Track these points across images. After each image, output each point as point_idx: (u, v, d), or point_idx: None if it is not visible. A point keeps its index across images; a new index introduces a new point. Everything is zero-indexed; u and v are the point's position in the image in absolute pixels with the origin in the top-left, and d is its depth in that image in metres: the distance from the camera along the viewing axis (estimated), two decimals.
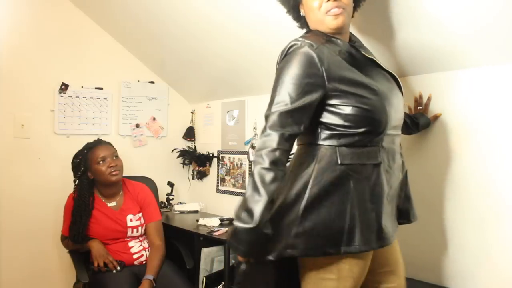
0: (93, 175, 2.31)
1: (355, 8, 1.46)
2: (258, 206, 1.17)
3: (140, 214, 2.39)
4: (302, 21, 1.48)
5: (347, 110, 1.23)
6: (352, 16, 1.46)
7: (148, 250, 2.36)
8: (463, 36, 1.58)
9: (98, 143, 2.37)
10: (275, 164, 1.18)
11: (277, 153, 1.19)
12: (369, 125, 1.24)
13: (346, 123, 1.24)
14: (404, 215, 1.46)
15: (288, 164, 1.30)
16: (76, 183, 2.34)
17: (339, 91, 1.23)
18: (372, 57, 1.38)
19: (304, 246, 1.22)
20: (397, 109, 1.35)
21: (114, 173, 2.29)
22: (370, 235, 1.22)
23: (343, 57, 1.28)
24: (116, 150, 2.39)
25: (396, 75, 1.41)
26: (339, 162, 1.23)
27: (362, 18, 1.68)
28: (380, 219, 1.24)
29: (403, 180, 1.44)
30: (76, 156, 2.35)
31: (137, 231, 2.36)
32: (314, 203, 1.22)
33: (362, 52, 1.36)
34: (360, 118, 1.23)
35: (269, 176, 1.18)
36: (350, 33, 1.46)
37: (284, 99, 1.21)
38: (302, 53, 1.23)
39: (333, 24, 1.32)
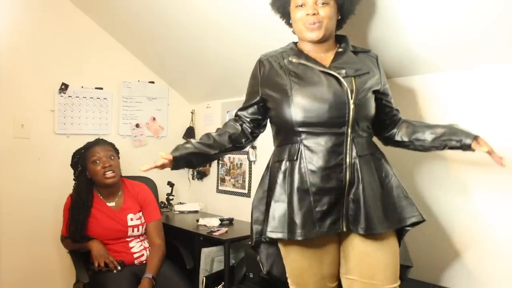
0: (89, 174, 2.31)
1: (343, 20, 1.54)
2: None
3: (140, 213, 2.39)
4: (293, 28, 1.56)
5: (271, 112, 1.52)
6: (341, 27, 1.55)
7: (149, 250, 2.36)
8: (461, 39, 1.59)
9: (97, 143, 2.37)
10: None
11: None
12: (279, 123, 1.49)
13: (273, 125, 1.56)
14: (352, 222, 1.37)
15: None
16: (75, 181, 2.35)
17: (266, 95, 1.51)
18: (303, 61, 1.46)
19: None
20: (314, 108, 1.38)
21: (108, 174, 2.27)
22: (281, 224, 1.40)
23: (283, 65, 1.48)
24: (112, 151, 2.38)
25: (334, 73, 1.40)
26: (271, 162, 1.52)
27: (365, 20, 1.68)
28: (292, 212, 1.39)
29: (352, 183, 1.37)
30: (74, 155, 2.36)
31: (138, 230, 2.36)
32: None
33: (294, 60, 1.47)
34: (275, 118, 1.51)
35: None
36: (340, 36, 1.55)
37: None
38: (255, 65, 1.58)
39: (309, 37, 1.47)
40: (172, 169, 1.52)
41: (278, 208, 1.42)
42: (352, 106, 1.38)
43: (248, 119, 1.60)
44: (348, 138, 1.38)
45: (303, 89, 1.42)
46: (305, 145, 1.40)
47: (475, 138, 1.38)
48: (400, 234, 1.44)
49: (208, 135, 1.57)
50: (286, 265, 1.50)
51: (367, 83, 1.44)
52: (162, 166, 1.49)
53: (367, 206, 1.36)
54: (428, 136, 1.47)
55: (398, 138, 1.55)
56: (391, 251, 1.41)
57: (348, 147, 1.38)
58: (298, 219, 1.37)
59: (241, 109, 1.62)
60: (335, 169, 1.37)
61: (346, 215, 1.38)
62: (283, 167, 1.44)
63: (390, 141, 1.60)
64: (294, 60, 1.47)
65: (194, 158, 1.54)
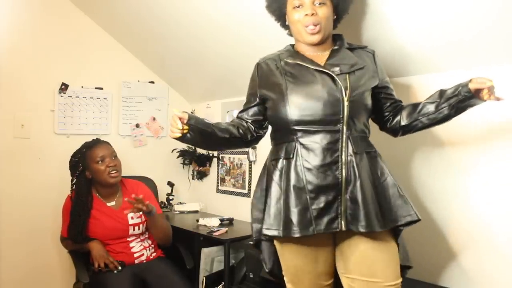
0: (91, 174, 2.31)
1: (338, 20, 1.56)
2: None
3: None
4: (289, 29, 1.58)
5: (269, 112, 1.54)
6: (336, 27, 1.56)
7: (149, 249, 2.36)
8: (459, 40, 1.59)
9: (97, 142, 2.37)
10: None
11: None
12: (276, 122, 1.51)
13: (271, 124, 1.59)
14: (351, 221, 1.36)
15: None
16: (74, 182, 2.34)
17: (264, 95, 1.53)
18: (299, 62, 1.47)
19: None
20: (309, 106, 1.40)
21: (113, 174, 2.29)
22: (277, 222, 1.41)
23: (279, 66, 1.50)
24: (114, 150, 2.39)
25: (328, 71, 1.41)
26: (268, 160, 1.53)
27: (359, 20, 1.69)
28: (287, 210, 1.39)
29: (348, 181, 1.37)
30: (74, 155, 2.35)
31: (139, 229, 2.36)
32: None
33: (289, 60, 1.49)
34: (272, 117, 1.53)
35: None
36: (336, 35, 1.56)
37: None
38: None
39: (309, 40, 1.48)
40: (178, 138, 1.48)
41: (274, 206, 1.43)
42: (346, 104, 1.39)
43: (250, 120, 1.61)
44: (344, 135, 1.39)
45: (298, 88, 1.43)
46: (301, 143, 1.41)
47: (470, 80, 1.35)
48: (395, 233, 1.43)
49: (218, 122, 1.59)
50: (282, 263, 1.51)
51: (363, 79, 1.45)
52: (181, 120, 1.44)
53: (365, 204, 1.35)
54: (430, 106, 1.45)
55: (404, 122, 1.52)
56: (390, 249, 1.41)
57: (343, 145, 1.39)
58: (294, 217, 1.38)
59: (241, 111, 1.64)
60: (331, 166, 1.38)
61: (345, 214, 1.37)
62: (279, 165, 1.45)
63: (398, 129, 1.55)
64: (289, 61, 1.49)
65: (205, 132, 1.50)
